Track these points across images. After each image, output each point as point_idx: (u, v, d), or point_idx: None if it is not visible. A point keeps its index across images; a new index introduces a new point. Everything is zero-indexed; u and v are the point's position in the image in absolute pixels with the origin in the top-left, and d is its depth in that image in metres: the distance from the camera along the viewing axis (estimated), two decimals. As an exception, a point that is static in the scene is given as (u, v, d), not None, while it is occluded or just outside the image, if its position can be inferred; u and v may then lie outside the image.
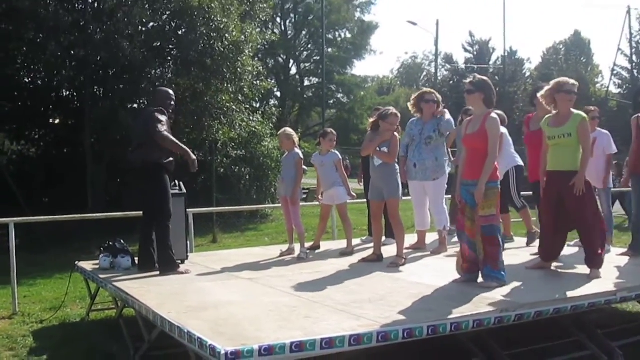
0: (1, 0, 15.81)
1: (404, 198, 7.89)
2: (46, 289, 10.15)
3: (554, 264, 7.00)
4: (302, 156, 8.55)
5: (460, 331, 4.82)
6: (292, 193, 8.41)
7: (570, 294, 5.67)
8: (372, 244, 8.02)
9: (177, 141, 7.23)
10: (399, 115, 7.56)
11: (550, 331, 5.93)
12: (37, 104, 18.59)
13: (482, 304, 5.19)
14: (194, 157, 7.36)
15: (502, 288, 5.82)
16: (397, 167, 7.61)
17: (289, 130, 8.82)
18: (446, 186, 8.51)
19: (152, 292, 6.01)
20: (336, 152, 8.84)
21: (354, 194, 9.08)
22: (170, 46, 18.75)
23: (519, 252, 8.16)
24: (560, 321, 5.72)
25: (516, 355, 5.43)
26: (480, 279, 6.10)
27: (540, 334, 5.94)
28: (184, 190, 7.95)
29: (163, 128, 7.09)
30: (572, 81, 6.69)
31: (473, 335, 5.24)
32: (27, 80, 18.58)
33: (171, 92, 7.70)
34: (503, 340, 5.53)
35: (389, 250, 7.84)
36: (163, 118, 7.19)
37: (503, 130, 8.71)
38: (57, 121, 20.33)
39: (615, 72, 47.15)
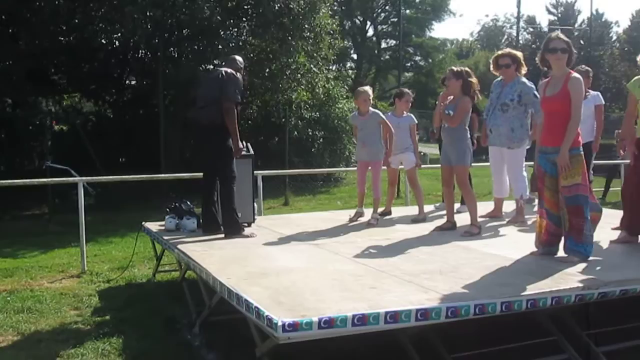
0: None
1: (483, 164, 7.49)
2: (117, 248, 10.21)
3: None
4: (383, 116, 8.16)
5: (536, 308, 4.47)
6: (383, 155, 8.07)
7: (659, 271, 5.24)
8: (445, 211, 7.68)
9: (235, 122, 6.93)
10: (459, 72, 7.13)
11: (632, 310, 5.51)
12: (113, 65, 18.74)
13: (562, 280, 4.81)
14: (240, 145, 7.12)
15: (585, 263, 5.40)
16: (468, 132, 7.21)
17: (369, 89, 8.25)
18: (525, 153, 8.04)
19: (214, 256, 5.86)
20: (412, 115, 8.46)
21: (421, 163, 8.71)
22: (246, 6, 18.56)
23: (600, 223, 7.67)
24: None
25: (597, 336, 5.04)
26: (561, 253, 5.70)
27: (622, 313, 5.52)
28: (252, 152, 7.74)
29: (237, 98, 6.95)
30: None
31: (551, 313, 4.88)
32: (104, 42, 18.69)
33: (240, 57, 7.53)
34: (583, 319, 5.16)
35: (464, 218, 7.47)
36: (239, 84, 7.04)
37: None
38: (133, 82, 20.50)
39: None
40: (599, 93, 8.73)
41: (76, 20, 16.75)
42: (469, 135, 7.21)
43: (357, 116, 8.23)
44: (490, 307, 4.21)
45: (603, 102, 8.48)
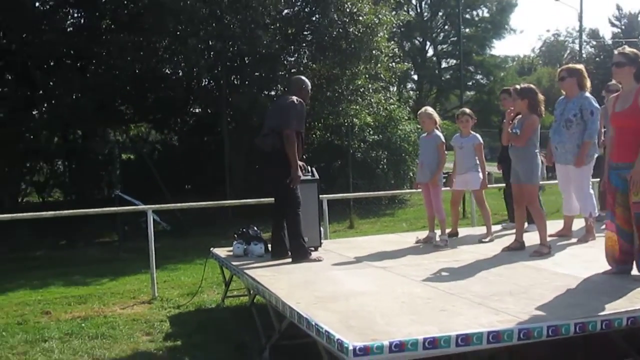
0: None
1: (552, 182, 7.34)
2: (185, 274, 10.38)
3: None
4: (443, 139, 8.03)
5: (611, 329, 4.37)
6: (432, 176, 7.96)
7: None
8: (512, 231, 7.57)
9: (295, 150, 6.94)
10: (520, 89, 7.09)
11: None
12: (178, 94, 19.15)
13: (638, 299, 4.70)
14: (299, 174, 7.04)
15: (661, 281, 5.27)
16: (536, 150, 7.09)
17: (429, 109, 8.28)
18: (592, 170, 7.87)
19: (282, 281, 5.91)
20: (477, 135, 8.33)
21: (487, 183, 8.50)
22: (305, 32, 18.80)
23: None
24: None
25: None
26: (635, 271, 5.56)
27: None
28: (317, 176, 7.80)
29: (295, 126, 6.98)
30: None
31: (627, 334, 4.76)
32: (169, 72, 19.14)
33: (304, 78, 7.61)
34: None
35: (532, 238, 7.34)
36: (301, 113, 7.08)
37: None
38: (197, 110, 20.92)
39: None
40: None
41: (141, 53, 17.24)
42: (537, 154, 7.09)
43: (423, 137, 8.29)
44: (564, 328, 4.13)
45: None
